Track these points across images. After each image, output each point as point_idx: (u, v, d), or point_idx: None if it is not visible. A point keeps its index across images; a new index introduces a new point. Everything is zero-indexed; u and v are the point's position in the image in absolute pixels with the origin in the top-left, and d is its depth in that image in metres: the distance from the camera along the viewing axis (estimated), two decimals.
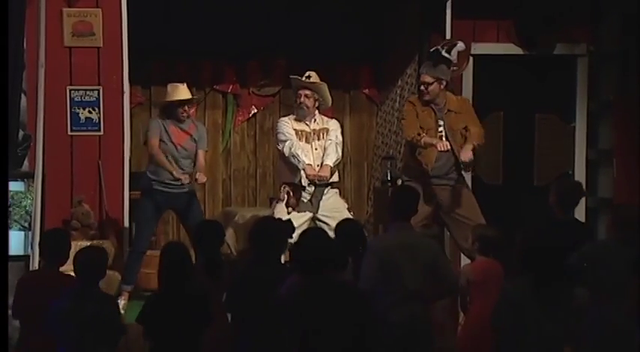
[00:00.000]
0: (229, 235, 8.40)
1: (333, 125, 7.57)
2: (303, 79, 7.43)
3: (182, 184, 7.46)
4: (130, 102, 8.41)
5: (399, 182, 8.04)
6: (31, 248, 7.01)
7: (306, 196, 7.37)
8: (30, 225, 7.27)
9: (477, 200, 7.46)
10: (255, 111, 9.60)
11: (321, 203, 7.38)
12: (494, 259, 6.02)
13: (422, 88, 7.40)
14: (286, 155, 7.36)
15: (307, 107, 7.45)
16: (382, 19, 9.33)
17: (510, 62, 9.16)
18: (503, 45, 9.13)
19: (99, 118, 8.16)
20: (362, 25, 9.35)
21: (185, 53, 9.13)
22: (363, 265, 5.41)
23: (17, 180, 7.35)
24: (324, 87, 7.49)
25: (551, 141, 9.35)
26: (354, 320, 4.68)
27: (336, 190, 7.56)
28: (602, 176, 9.18)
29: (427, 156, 7.32)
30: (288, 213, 7.30)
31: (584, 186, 6.88)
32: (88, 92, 8.15)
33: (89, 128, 8.16)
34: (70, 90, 8.13)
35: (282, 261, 5.66)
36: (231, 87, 9.52)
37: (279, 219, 5.97)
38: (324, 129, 7.51)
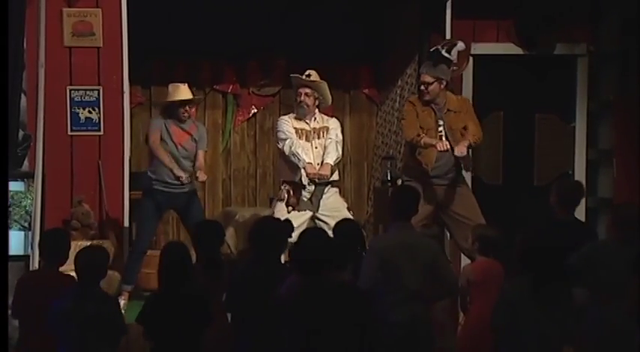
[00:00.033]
0: (229, 235, 8.41)
1: (333, 124, 7.57)
2: (304, 77, 7.44)
3: (182, 183, 7.46)
4: (130, 102, 8.41)
5: (399, 182, 8.04)
6: (31, 248, 7.01)
7: (306, 195, 7.37)
8: (30, 225, 7.27)
9: (477, 200, 7.46)
10: (255, 111, 9.61)
11: (322, 202, 7.38)
12: (494, 259, 6.01)
13: (422, 87, 7.40)
14: (286, 153, 7.36)
15: (307, 105, 7.46)
16: (382, 19, 9.33)
17: (510, 62, 9.16)
18: (503, 45, 9.13)
19: (99, 118, 8.16)
20: (362, 25, 9.36)
21: (185, 53, 9.13)
22: (363, 265, 5.41)
23: (17, 180, 7.35)
24: (324, 85, 7.50)
25: (551, 141, 9.35)
26: (353, 320, 4.68)
27: (336, 189, 7.57)
28: (602, 176, 9.18)
29: (427, 156, 7.32)
30: (289, 212, 7.30)
31: (584, 186, 6.87)
32: (88, 92, 8.15)
33: (89, 128, 8.16)
34: (70, 90, 8.13)
35: (282, 261, 5.66)
36: (231, 87, 9.52)
37: (279, 219, 5.97)
38: (324, 127, 7.51)
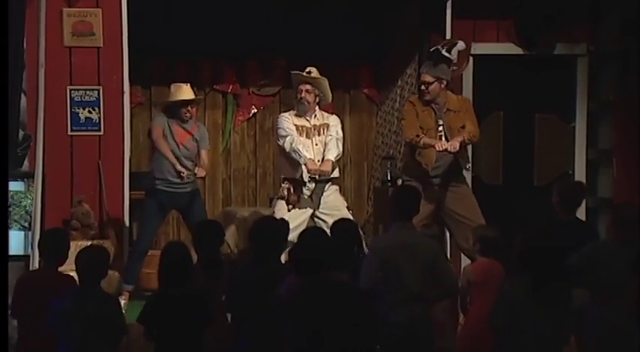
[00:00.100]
0: (230, 233, 8.41)
1: (334, 121, 7.59)
2: (304, 74, 7.45)
3: (182, 178, 7.44)
4: (130, 102, 8.41)
5: (399, 182, 8.04)
6: (31, 248, 7.01)
7: (306, 192, 7.38)
8: (30, 225, 7.27)
9: (477, 200, 7.46)
10: (255, 111, 9.61)
11: (322, 200, 7.39)
12: (495, 260, 6.01)
13: (422, 87, 7.40)
14: (287, 150, 7.37)
15: (308, 102, 7.47)
16: (382, 19, 9.33)
17: (510, 62, 9.16)
18: (503, 45, 9.13)
19: (99, 118, 8.16)
20: (362, 25, 9.35)
21: (185, 53, 9.13)
22: (363, 265, 5.41)
23: (17, 180, 7.35)
24: (325, 82, 7.51)
25: (551, 141, 9.35)
26: (353, 320, 4.67)
27: (337, 187, 7.58)
28: (602, 176, 9.18)
29: (427, 156, 7.32)
30: (289, 210, 7.31)
31: (585, 187, 6.88)
32: (88, 92, 8.15)
33: (89, 128, 8.16)
34: (70, 90, 8.13)
35: (282, 261, 5.66)
36: (231, 87, 9.52)
37: (279, 219, 5.97)
38: (324, 124, 7.52)
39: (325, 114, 7.63)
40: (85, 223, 7.88)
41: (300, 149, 7.31)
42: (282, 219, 5.99)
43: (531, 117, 9.34)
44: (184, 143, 7.61)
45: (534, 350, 4.72)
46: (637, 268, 5.23)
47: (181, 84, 7.67)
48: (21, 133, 7.55)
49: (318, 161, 7.37)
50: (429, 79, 7.36)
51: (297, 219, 7.26)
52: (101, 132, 8.18)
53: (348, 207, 7.63)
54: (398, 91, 9.11)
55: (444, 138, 7.29)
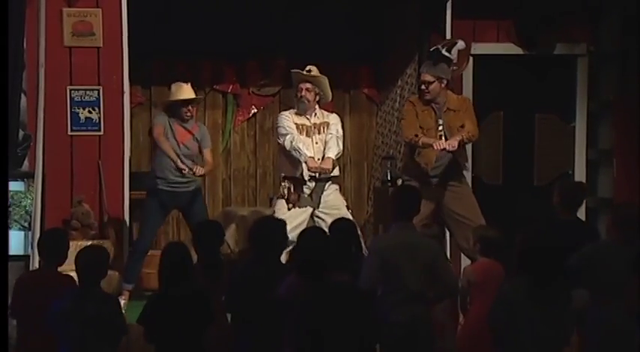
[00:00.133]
0: (230, 234, 8.41)
1: (334, 119, 7.60)
2: (304, 72, 7.46)
3: (183, 174, 7.43)
4: (130, 102, 8.41)
5: (399, 182, 8.04)
6: (31, 248, 7.00)
7: (306, 191, 7.38)
8: (30, 225, 7.27)
9: (477, 200, 7.46)
10: (255, 111, 9.61)
11: (322, 198, 7.40)
12: (495, 260, 6.01)
13: (422, 87, 7.40)
14: (287, 148, 7.38)
15: (308, 101, 7.48)
16: (382, 19, 9.33)
17: (510, 62, 9.16)
18: (503, 45, 9.13)
19: (99, 118, 8.16)
20: (362, 25, 9.35)
21: (185, 53, 9.13)
22: (364, 265, 5.41)
23: (17, 180, 7.35)
24: (325, 80, 7.52)
25: (551, 141, 9.35)
26: (354, 320, 4.67)
27: (337, 186, 7.59)
28: (602, 176, 9.18)
29: (427, 156, 7.33)
30: (289, 210, 7.32)
31: (586, 187, 6.87)
32: (88, 92, 8.15)
33: (89, 128, 8.16)
34: (70, 90, 8.13)
35: (282, 261, 5.66)
36: (231, 87, 9.52)
37: (279, 219, 5.98)
38: (324, 123, 7.53)
39: (325, 112, 7.64)
40: (85, 223, 7.88)
41: (301, 147, 7.32)
42: (281, 220, 5.99)
43: (531, 117, 9.34)
44: (185, 142, 7.61)
45: (533, 351, 4.72)
46: (637, 268, 5.23)
47: (182, 83, 7.67)
48: (21, 133, 7.55)
49: (319, 159, 7.37)
50: (429, 78, 7.36)
51: (297, 219, 7.27)
52: (101, 132, 8.18)
53: (347, 207, 7.64)
54: (398, 91, 9.11)
55: (443, 138, 7.28)
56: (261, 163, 9.65)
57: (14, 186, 7.24)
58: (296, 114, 7.54)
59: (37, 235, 7.00)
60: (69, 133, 8.13)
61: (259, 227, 5.46)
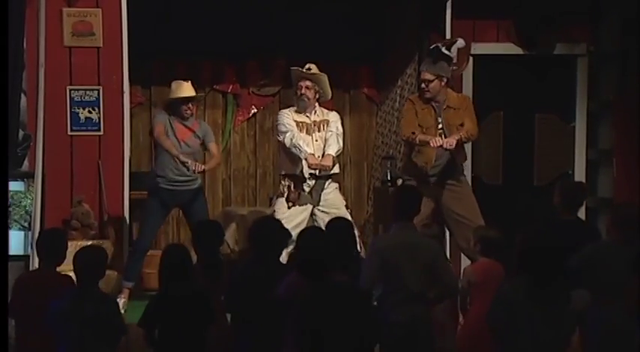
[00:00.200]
0: (230, 234, 8.42)
1: (334, 117, 7.60)
2: (304, 70, 7.46)
3: (188, 168, 7.40)
4: (130, 102, 8.41)
5: (399, 182, 8.04)
6: (31, 248, 7.00)
7: (306, 189, 7.38)
8: (30, 225, 7.27)
9: (477, 200, 7.46)
10: (255, 111, 9.61)
11: (322, 196, 7.40)
12: (495, 260, 6.01)
13: (422, 85, 7.39)
14: (287, 146, 7.38)
15: (308, 98, 7.49)
16: (382, 19, 9.33)
17: (510, 62, 9.16)
18: (503, 45, 9.13)
19: (99, 118, 8.16)
20: (362, 25, 9.35)
21: (185, 53, 9.13)
22: (364, 265, 5.41)
23: (17, 180, 7.35)
24: (325, 78, 7.53)
25: (551, 141, 9.35)
26: (356, 320, 4.67)
27: (337, 185, 7.59)
28: (602, 176, 9.17)
29: (426, 155, 7.32)
30: (289, 208, 7.32)
31: (587, 187, 6.87)
32: (88, 92, 8.15)
33: (89, 128, 8.16)
34: (70, 90, 8.13)
35: (282, 261, 5.66)
36: (231, 87, 9.52)
37: (278, 219, 5.98)
38: (324, 120, 7.54)
39: (325, 110, 7.65)
40: (85, 223, 7.88)
41: (301, 144, 7.32)
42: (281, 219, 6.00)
43: (531, 117, 9.34)
44: (185, 140, 7.61)
45: (533, 351, 4.72)
46: (637, 268, 5.23)
47: (182, 81, 7.67)
48: (21, 133, 7.56)
49: (319, 157, 7.38)
50: (429, 76, 7.35)
51: (297, 218, 7.27)
52: (101, 132, 8.18)
53: (346, 206, 7.64)
54: (398, 91, 9.11)
55: (443, 136, 7.27)
56: (261, 163, 9.66)
57: (14, 186, 7.24)
58: (296, 111, 7.55)
59: (37, 235, 7.00)
60: (69, 133, 8.13)
61: (259, 227, 5.46)
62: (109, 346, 5.06)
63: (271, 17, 9.15)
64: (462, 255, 7.66)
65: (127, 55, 8.11)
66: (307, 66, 7.51)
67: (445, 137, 7.23)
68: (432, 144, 7.14)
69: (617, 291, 5.33)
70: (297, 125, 7.46)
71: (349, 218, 7.16)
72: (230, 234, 8.44)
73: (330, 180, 7.48)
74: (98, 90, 8.15)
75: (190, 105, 7.62)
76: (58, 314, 4.98)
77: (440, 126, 7.36)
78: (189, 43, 9.01)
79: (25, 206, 7.33)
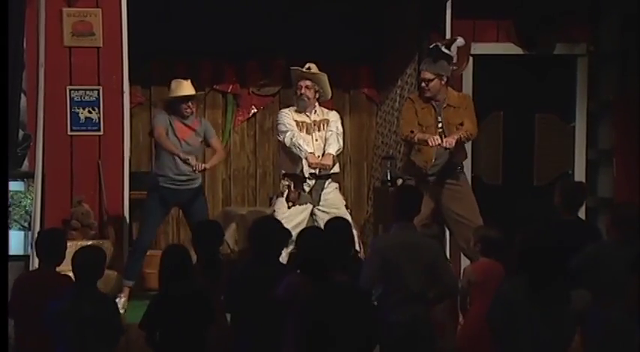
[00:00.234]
0: (230, 234, 8.41)
1: (334, 116, 7.60)
2: (304, 70, 7.46)
3: (190, 164, 7.40)
4: (130, 102, 8.41)
5: (399, 182, 8.04)
6: (31, 248, 7.00)
7: (306, 188, 7.38)
8: (30, 224, 7.27)
9: (476, 200, 7.45)
10: (255, 111, 9.61)
11: (322, 196, 7.40)
12: (496, 260, 6.01)
13: (423, 84, 7.39)
14: (287, 145, 7.38)
15: (308, 98, 7.49)
16: (382, 19, 9.33)
17: (510, 62, 9.16)
18: (503, 45, 9.13)
19: (99, 118, 8.16)
20: (362, 25, 9.35)
21: (185, 53, 9.13)
22: (364, 264, 5.42)
23: (17, 180, 7.36)
24: (324, 77, 7.53)
25: (551, 141, 9.35)
26: (359, 321, 4.68)
27: (336, 185, 7.59)
28: (602, 176, 9.17)
29: (426, 154, 7.32)
30: (289, 208, 7.32)
31: (587, 187, 6.87)
32: (87, 92, 8.15)
33: (89, 128, 8.16)
34: (70, 90, 8.13)
35: (282, 261, 5.66)
36: (231, 87, 9.52)
37: (278, 219, 5.98)
38: (324, 120, 7.54)
39: (325, 110, 7.65)
40: (85, 223, 7.88)
41: (301, 143, 7.32)
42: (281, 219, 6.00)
43: (531, 117, 9.33)
44: (186, 139, 7.61)
45: (533, 351, 4.71)
46: (637, 268, 5.23)
47: (181, 80, 7.67)
48: (21, 133, 7.56)
49: (319, 156, 7.38)
50: (429, 76, 7.35)
51: (297, 217, 7.27)
52: (101, 132, 8.18)
53: (346, 206, 7.64)
54: (398, 91, 9.11)
55: (443, 135, 7.26)
56: (261, 163, 9.66)
57: (14, 186, 7.24)
58: (296, 111, 7.55)
59: (36, 235, 6.99)
60: (69, 133, 8.13)
61: (259, 226, 5.46)
62: (107, 346, 5.06)
63: (271, 17, 9.15)
64: (462, 254, 7.66)
65: (127, 55, 8.11)
66: (307, 65, 7.51)
67: (444, 136, 7.23)
68: (430, 143, 7.13)
69: (618, 291, 5.33)
70: (297, 125, 7.46)
71: (349, 218, 7.17)
72: (230, 234, 8.44)
73: (330, 180, 7.48)
74: (98, 90, 8.15)
75: (190, 103, 7.62)
76: (56, 315, 4.98)
77: (440, 125, 7.36)
78: (189, 43, 9.01)
79: (25, 206, 7.34)
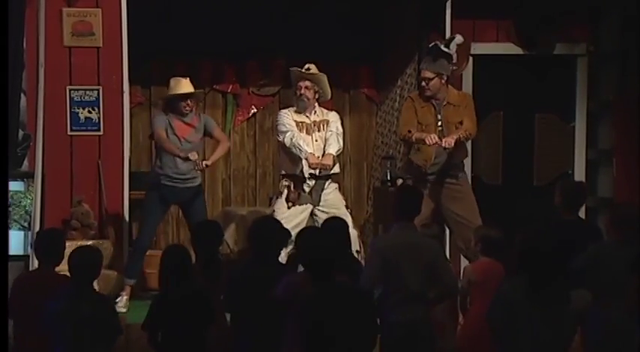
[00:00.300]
0: (229, 234, 8.41)
1: (333, 117, 7.60)
2: (303, 70, 7.46)
3: (191, 160, 7.39)
4: (130, 102, 8.41)
5: (399, 182, 8.03)
6: (31, 248, 7.00)
7: (306, 189, 7.38)
8: (30, 225, 7.27)
9: (476, 200, 7.45)
10: (255, 111, 9.61)
11: (322, 197, 7.40)
12: (496, 260, 6.01)
13: (423, 83, 7.38)
14: (287, 145, 7.38)
15: (307, 98, 7.49)
16: (382, 19, 9.33)
17: (510, 62, 9.16)
18: (503, 45, 9.13)
19: (99, 118, 8.16)
20: (361, 25, 9.35)
21: (185, 53, 9.13)
22: (366, 265, 5.41)
23: (17, 180, 7.36)
24: (324, 78, 7.52)
25: (551, 141, 9.35)
26: (360, 320, 4.68)
27: (336, 185, 7.59)
28: (602, 176, 9.17)
29: (425, 153, 7.31)
30: (289, 208, 7.32)
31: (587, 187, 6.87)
32: (87, 92, 8.15)
33: (89, 128, 8.16)
34: (70, 90, 8.12)
35: (282, 261, 5.66)
36: (230, 87, 9.52)
37: (278, 219, 5.98)
38: (324, 120, 7.54)
39: (325, 110, 7.65)
40: (85, 223, 7.88)
41: (301, 144, 7.32)
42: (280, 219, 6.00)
43: (531, 117, 9.34)
44: (186, 137, 7.61)
45: (533, 351, 4.71)
46: (637, 268, 5.23)
47: (180, 78, 7.67)
48: (21, 133, 7.56)
49: (319, 157, 7.38)
50: (429, 75, 7.35)
51: (297, 218, 7.27)
52: (101, 132, 8.18)
53: (346, 206, 7.64)
54: (398, 91, 9.11)
55: (442, 134, 7.26)
56: (261, 163, 9.66)
57: (14, 186, 7.24)
58: (295, 112, 7.55)
59: (35, 236, 7.00)
60: (69, 133, 8.13)
61: (258, 227, 5.46)
62: (105, 346, 5.06)
63: (271, 17, 9.15)
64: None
65: (127, 54, 8.11)
66: (306, 66, 7.51)
67: (444, 134, 7.23)
68: (427, 142, 7.13)
69: (618, 291, 5.33)
70: (297, 125, 7.46)
71: (349, 218, 7.18)
72: (230, 234, 8.44)
73: (329, 181, 7.48)
74: (98, 90, 8.15)
75: (189, 101, 7.62)
76: (53, 315, 4.98)
77: (439, 123, 7.35)
78: (189, 43, 9.01)
79: (25, 206, 7.34)
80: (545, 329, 4.70)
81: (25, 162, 7.67)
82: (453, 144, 7.12)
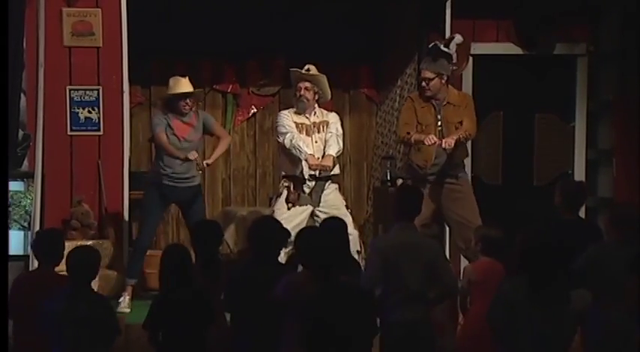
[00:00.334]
0: (229, 234, 8.41)
1: (333, 118, 7.60)
2: (303, 71, 7.46)
3: (192, 159, 7.39)
4: (130, 102, 8.42)
5: (399, 182, 8.03)
6: (31, 248, 7.00)
7: (306, 190, 7.38)
8: (30, 224, 7.27)
9: (476, 200, 7.45)
10: (255, 110, 9.60)
11: (322, 197, 7.40)
12: (496, 260, 6.01)
13: (423, 83, 7.39)
14: (287, 147, 7.38)
15: (307, 100, 7.49)
16: (381, 19, 9.33)
17: (510, 62, 9.16)
18: (503, 45, 9.13)
19: (99, 118, 8.16)
20: (361, 25, 9.35)
21: (185, 53, 9.13)
22: (366, 265, 5.41)
23: (17, 180, 7.37)
24: (324, 79, 7.52)
25: (551, 141, 9.35)
26: (361, 320, 4.68)
27: (336, 186, 7.59)
28: (602, 176, 9.18)
29: (425, 153, 7.31)
30: (289, 209, 7.32)
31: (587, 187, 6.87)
32: (87, 92, 8.15)
33: (89, 128, 8.16)
34: (70, 90, 8.13)
35: (281, 261, 5.66)
36: (230, 87, 9.52)
37: (277, 219, 5.98)
38: (324, 121, 7.54)
39: (324, 111, 7.65)
40: (85, 223, 7.88)
41: (301, 145, 7.32)
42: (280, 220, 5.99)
43: (531, 117, 9.34)
44: (185, 136, 7.60)
45: (533, 350, 4.71)
46: (637, 268, 5.23)
47: (179, 77, 7.66)
48: (21, 133, 7.57)
49: (319, 158, 7.38)
50: (429, 75, 7.35)
51: (296, 218, 7.27)
52: (101, 132, 8.18)
53: (346, 206, 7.64)
54: (397, 91, 9.11)
55: (442, 133, 7.26)
56: (261, 163, 9.65)
57: (14, 186, 7.25)
58: (295, 113, 7.55)
59: (34, 236, 7.00)
60: (68, 133, 8.13)
61: (258, 227, 5.46)
62: (103, 346, 5.06)
63: (271, 17, 9.15)
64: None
65: (127, 54, 8.11)
66: (306, 67, 7.51)
67: (444, 134, 7.23)
68: (426, 143, 7.13)
69: (618, 291, 5.33)
70: (297, 126, 7.45)
71: (350, 218, 7.18)
72: (229, 234, 8.44)
73: (329, 182, 7.48)
74: (98, 90, 8.15)
75: (188, 100, 7.61)
76: (51, 315, 4.98)
77: (439, 123, 7.35)
78: (189, 43, 9.01)
79: (25, 206, 7.34)
80: (545, 329, 4.70)
81: (25, 162, 7.67)
82: (452, 145, 7.12)
